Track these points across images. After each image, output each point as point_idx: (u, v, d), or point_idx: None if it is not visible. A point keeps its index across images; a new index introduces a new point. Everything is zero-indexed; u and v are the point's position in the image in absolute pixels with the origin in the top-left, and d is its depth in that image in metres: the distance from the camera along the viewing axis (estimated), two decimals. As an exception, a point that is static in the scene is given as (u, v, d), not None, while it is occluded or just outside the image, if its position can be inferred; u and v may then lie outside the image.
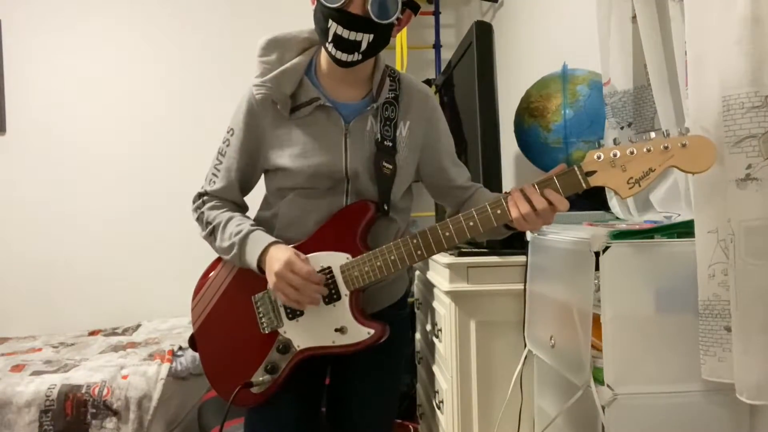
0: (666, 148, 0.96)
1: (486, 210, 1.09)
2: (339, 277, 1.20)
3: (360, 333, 1.19)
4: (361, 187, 1.24)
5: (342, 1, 1.11)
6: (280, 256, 1.16)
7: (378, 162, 1.23)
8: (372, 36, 1.15)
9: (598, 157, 1.01)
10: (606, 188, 1.53)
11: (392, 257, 1.16)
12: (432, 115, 1.31)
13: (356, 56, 1.16)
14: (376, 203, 1.23)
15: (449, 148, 1.34)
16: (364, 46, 1.15)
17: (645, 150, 0.97)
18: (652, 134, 0.98)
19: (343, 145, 1.23)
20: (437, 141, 1.31)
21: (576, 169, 1.02)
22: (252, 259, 1.20)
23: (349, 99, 1.26)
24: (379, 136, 1.24)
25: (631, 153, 0.98)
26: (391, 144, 1.24)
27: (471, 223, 1.10)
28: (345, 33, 1.13)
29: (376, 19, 1.13)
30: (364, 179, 1.24)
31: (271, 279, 1.17)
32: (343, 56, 1.16)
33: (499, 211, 1.08)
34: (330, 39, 1.15)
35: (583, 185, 1.02)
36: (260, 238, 1.21)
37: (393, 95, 1.27)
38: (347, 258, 1.20)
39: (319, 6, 1.14)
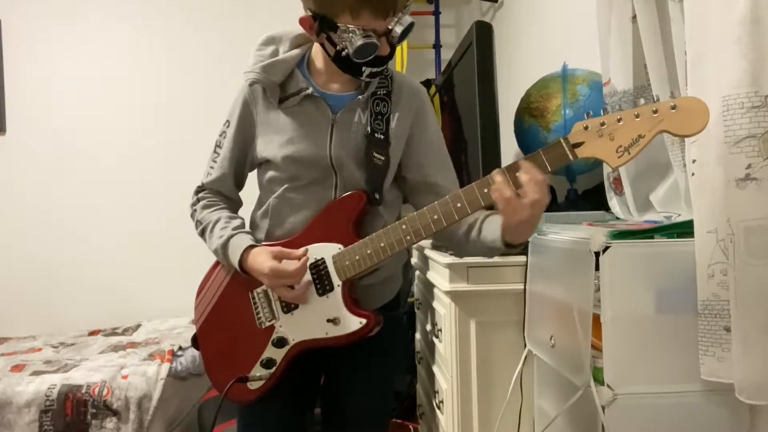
0: (655, 112, 0.93)
1: (473, 190, 1.08)
2: (331, 268, 1.21)
3: (352, 323, 1.19)
4: (348, 179, 1.25)
5: (374, 55, 1.15)
6: (261, 265, 1.19)
7: (368, 153, 1.24)
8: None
9: (585, 128, 0.98)
10: (605, 188, 1.55)
11: (382, 244, 1.16)
12: (420, 108, 1.31)
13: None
14: (368, 193, 1.24)
15: (435, 145, 1.32)
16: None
17: (634, 116, 0.94)
18: (642, 101, 0.96)
19: (328, 133, 1.24)
20: (422, 134, 1.31)
21: (562, 140, 1.00)
22: (235, 265, 1.24)
23: (339, 92, 1.28)
24: (369, 128, 1.25)
25: (619, 120, 0.95)
26: (383, 137, 1.25)
27: (458, 205, 1.09)
28: (378, 69, 1.21)
29: (396, 45, 1.19)
30: (350, 170, 1.24)
31: (265, 283, 1.22)
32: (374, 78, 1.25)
33: (486, 190, 1.06)
34: (365, 76, 1.21)
35: (570, 157, 1.00)
36: (238, 244, 1.24)
37: (385, 91, 1.28)
38: (339, 248, 1.20)
39: (348, 57, 1.16)
